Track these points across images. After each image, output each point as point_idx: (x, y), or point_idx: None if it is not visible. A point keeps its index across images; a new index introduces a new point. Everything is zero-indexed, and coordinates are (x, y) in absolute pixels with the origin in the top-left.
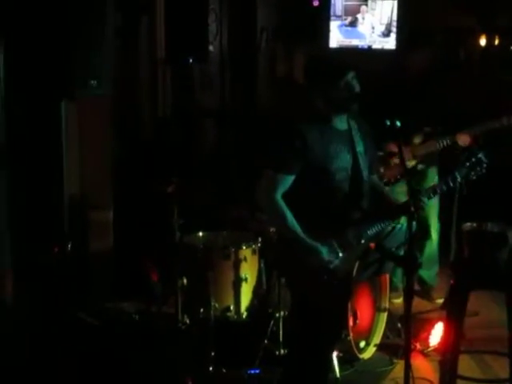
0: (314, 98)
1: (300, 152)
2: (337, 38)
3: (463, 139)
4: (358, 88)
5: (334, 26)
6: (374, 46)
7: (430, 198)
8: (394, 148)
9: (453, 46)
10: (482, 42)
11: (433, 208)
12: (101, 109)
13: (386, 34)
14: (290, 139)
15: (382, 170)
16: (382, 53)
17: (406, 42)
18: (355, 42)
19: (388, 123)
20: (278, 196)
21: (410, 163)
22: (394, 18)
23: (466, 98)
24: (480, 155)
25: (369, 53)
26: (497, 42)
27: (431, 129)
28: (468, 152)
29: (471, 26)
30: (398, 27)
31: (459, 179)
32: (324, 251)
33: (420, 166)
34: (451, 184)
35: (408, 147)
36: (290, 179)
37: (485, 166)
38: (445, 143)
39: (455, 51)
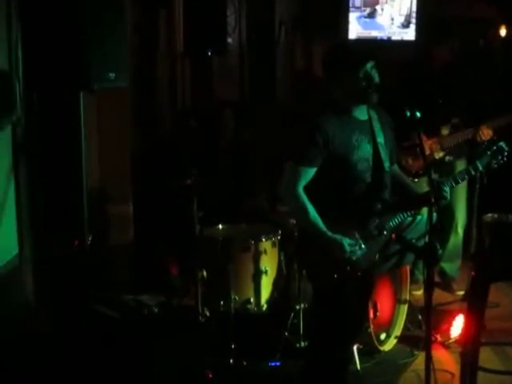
0: (333, 88)
1: (321, 144)
2: (356, 29)
3: (485, 132)
4: (377, 78)
5: (352, 17)
6: (394, 38)
7: (452, 187)
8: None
9: (473, 36)
10: (503, 32)
11: (460, 201)
12: (120, 102)
13: (406, 25)
14: (311, 132)
15: (410, 161)
16: (402, 44)
17: (426, 33)
18: (374, 34)
19: (408, 114)
20: (300, 189)
21: (438, 155)
22: (414, 8)
23: (488, 89)
24: (501, 143)
25: (388, 44)
26: None
27: (459, 120)
28: (489, 141)
29: (491, 17)
30: (418, 18)
31: (481, 168)
32: (346, 243)
33: (448, 158)
34: (473, 173)
35: (436, 139)
36: (311, 171)
37: (506, 154)
38: (468, 136)
39: (475, 42)
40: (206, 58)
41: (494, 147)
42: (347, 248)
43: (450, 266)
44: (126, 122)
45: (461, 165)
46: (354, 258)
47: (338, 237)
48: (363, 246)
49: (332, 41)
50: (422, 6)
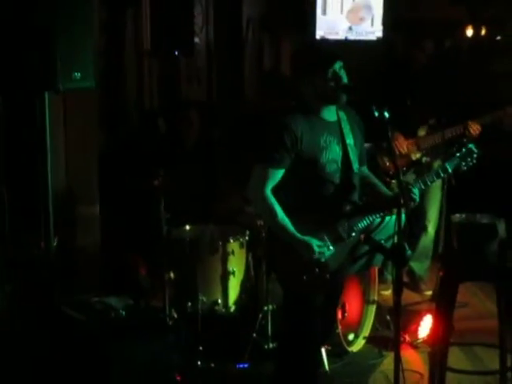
0: (302, 88)
1: (288, 145)
2: (323, 28)
3: (474, 128)
4: (345, 78)
5: (320, 16)
6: (362, 37)
7: (421, 189)
8: (398, 139)
9: (440, 37)
10: (469, 32)
11: (433, 201)
12: (86, 102)
13: (373, 25)
14: (279, 133)
15: (386, 161)
16: (368, 44)
17: (391, 34)
18: (342, 33)
19: (376, 114)
20: (268, 190)
21: (415, 156)
22: (381, 9)
23: (458, 89)
24: (470, 146)
25: (354, 44)
26: (483, 32)
27: (435, 121)
28: (458, 143)
29: (459, 18)
30: (385, 19)
31: (450, 170)
32: (314, 244)
33: (425, 159)
34: (442, 174)
35: (413, 140)
36: (279, 173)
37: (475, 156)
38: (455, 133)
39: (442, 43)
40: (174, 58)
41: (464, 149)
42: (316, 249)
43: (419, 266)
44: (92, 123)
45: (438, 166)
46: (323, 260)
47: (306, 238)
48: (331, 247)
49: (299, 40)
50: (390, 6)
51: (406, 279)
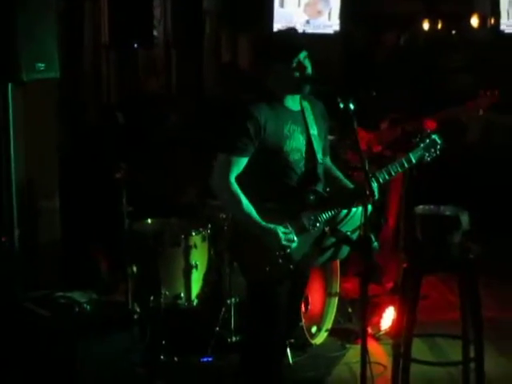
0: (265, 77)
1: (252, 133)
2: (281, 21)
3: (430, 125)
4: (310, 68)
5: (278, 9)
6: (319, 31)
7: (385, 179)
8: (359, 133)
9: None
10: (426, 26)
11: (394, 193)
12: (45, 95)
13: (330, 18)
14: (242, 121)
15: (348, 155)
16: (326, 37)
17: (349, 27)
18: (299, 26)
19: (342, 105)
20: (232, 179)
21: (376, 149)
22: (338, 2)
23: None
24: (434, 136)
25: (313, 37)
26: (440, 26)
27: (398, 115)
28: (421, 134)
29: (416, 11)
30: (343, 12)
31: (414, 160)
32: (280, 231)
33: (386, 153)
34: (406, 165)
35: (375, 133)
36: (243, 161)
37: (439, 147)
38: (415, 127)
39: (398, 37)
40: (132, 51)
41: (427, 140)
42: (282, 236)
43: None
44: (51, 116)
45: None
46: (288, 250)
47: (271, 226)
48: (296, 238)
49: (257, 33)
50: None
51: None
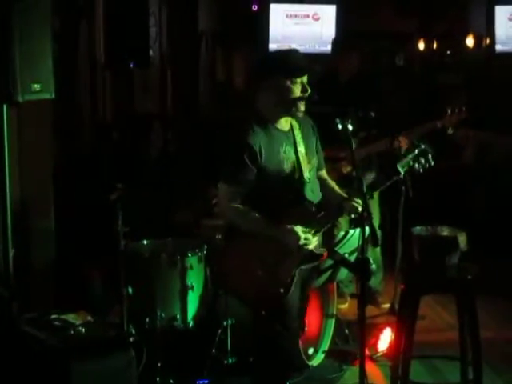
0: (261, 97)
1: (249, 163)
2: (276, 41)
3: (403, 142)
4: (309, 90)
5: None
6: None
7: (370, 194)
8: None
9: (390, 49)
10: (421, 46)
11: (374, 212)
12: (40, 114)
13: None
14: (238, 151)
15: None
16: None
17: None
18: (294, 46)
19: (340, 127)
20: (236, 204)
21: (346, 169)
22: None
23: (402, 101)
24: (423, 146)
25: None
26: (435, 46)
27: (366, 133)
28: (410, 145)
29: (411, 31)
30: (338, 31)
31: (402, 171)
32: (298, 230)
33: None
34: (394, 178)
35: (344, 154)
36: (245, 187)
37: (430, 156)
38: (384, 147)
39: (392, 55)
40: (127, 71)
41: (416, 150)
42: (301, 234)
43: (373, 280)
44: (46, 135)
45: (369, 179)
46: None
47: (287, 226)
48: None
49: (252, 53)
50: (342, 20)
51: None
